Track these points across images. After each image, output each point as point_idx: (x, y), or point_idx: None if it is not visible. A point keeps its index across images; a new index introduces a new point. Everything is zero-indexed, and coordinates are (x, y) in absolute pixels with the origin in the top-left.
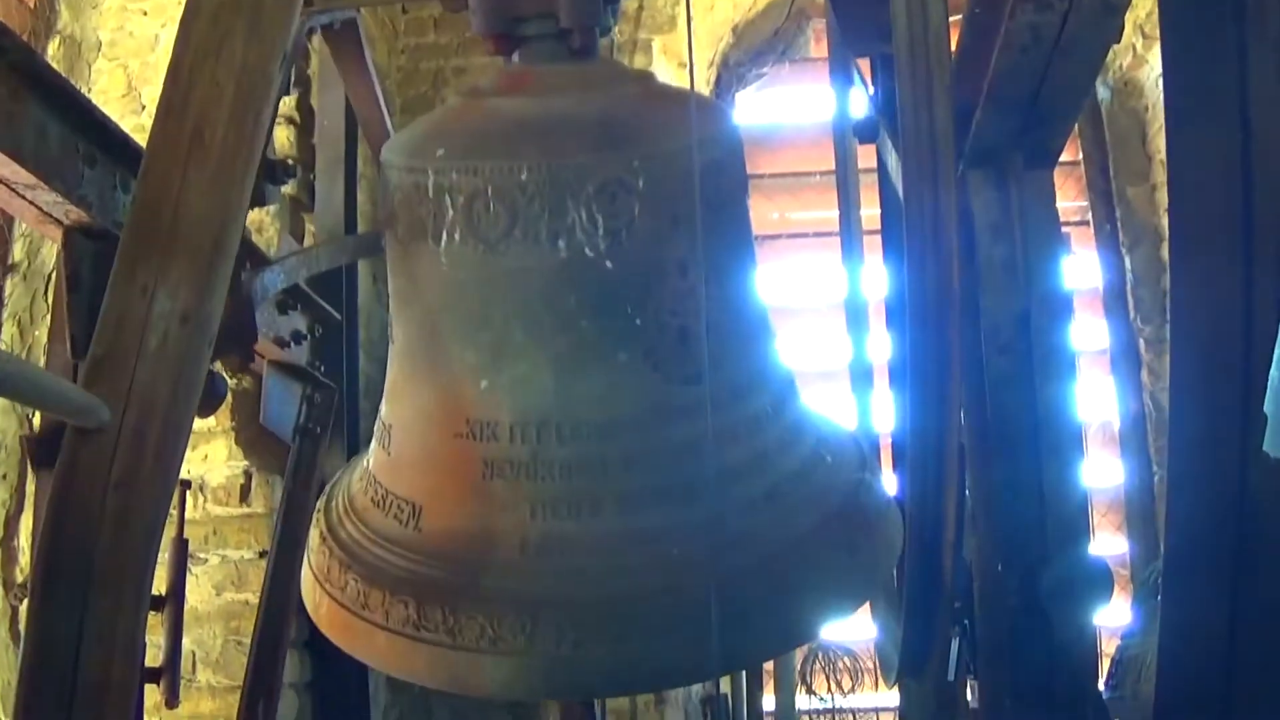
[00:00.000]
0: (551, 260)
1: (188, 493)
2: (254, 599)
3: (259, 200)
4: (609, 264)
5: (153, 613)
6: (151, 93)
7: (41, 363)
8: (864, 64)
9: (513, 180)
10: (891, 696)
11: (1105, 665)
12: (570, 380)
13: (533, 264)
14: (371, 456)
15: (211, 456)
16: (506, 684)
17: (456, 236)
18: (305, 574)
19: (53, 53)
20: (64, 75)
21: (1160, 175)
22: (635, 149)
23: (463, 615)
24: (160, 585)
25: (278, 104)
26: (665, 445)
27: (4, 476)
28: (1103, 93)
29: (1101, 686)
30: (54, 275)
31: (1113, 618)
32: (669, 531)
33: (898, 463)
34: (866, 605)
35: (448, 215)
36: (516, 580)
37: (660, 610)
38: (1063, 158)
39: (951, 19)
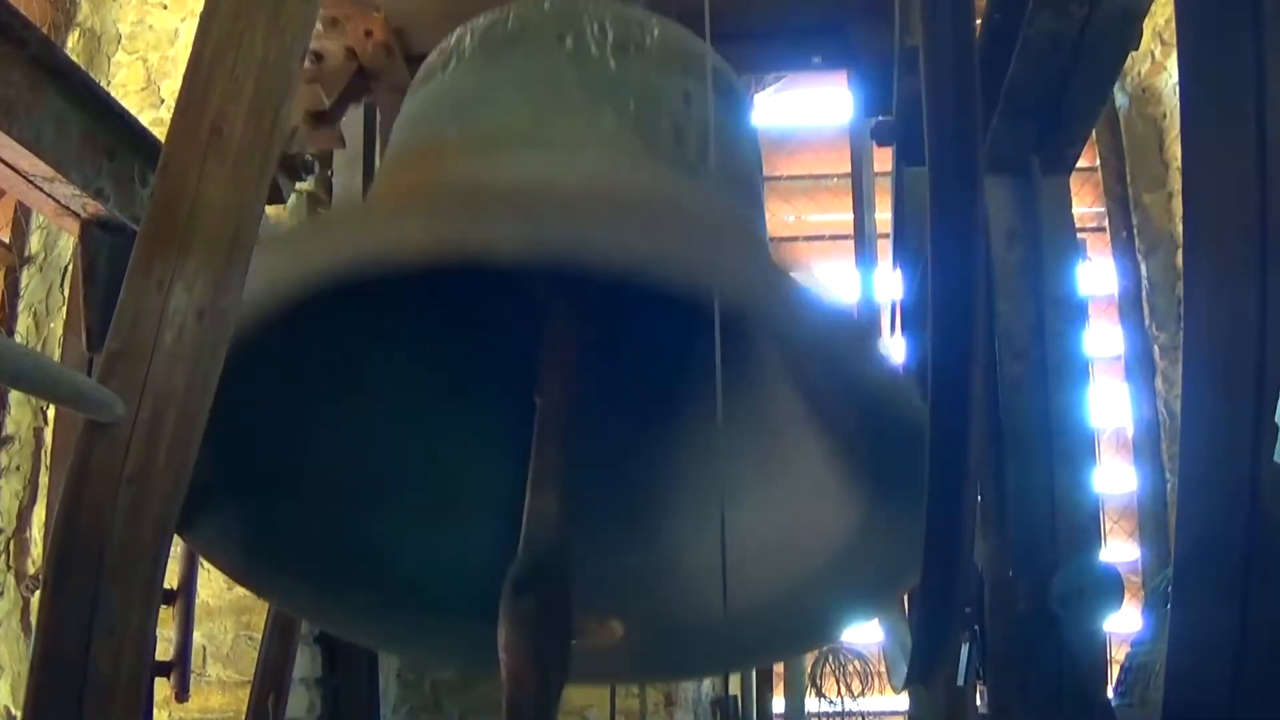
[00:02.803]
0: (555, 54)
1: None
2: None
3: (277, 196)
4: (612, 64)
5: (164, 606)
6: (170, 86)
7: (56, 355)
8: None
9: (535, 8)
10: (901, 700)
11: (1115, 672)
12: (560, 159)
13: (535, 58)
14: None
15: None
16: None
17: (465, 54)
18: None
19: (72, 45)
20: (83, 68)
21: (1177, 182)
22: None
23: None
24: (171, 579)
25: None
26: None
27: (18, 468)
28: (1120, 99)
29: (1111, 693)
30: (70, 268)
31: (1123, 624)
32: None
33: None
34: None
35: (465, 43)
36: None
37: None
38: (1079, 164)
39: None
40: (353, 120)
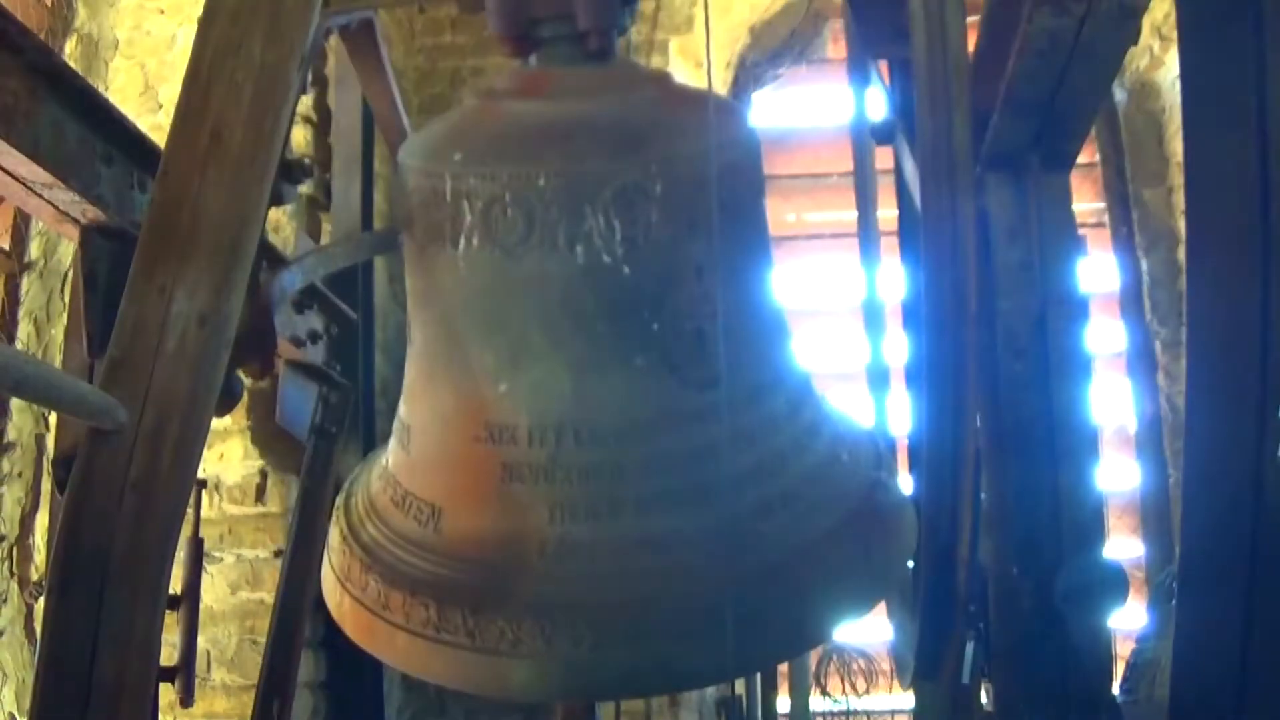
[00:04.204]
0: (569, 266)
1: (203, 492)
2: (269, 598)
3: (277, 200)
4: (626, 269)
5: (168, 612)
6: (169, 92)
7: (58, 361)
8: (882, 65)
9: (530, 186)
10: (906, 699)
11: (1120, 668)
12: (588, 384)
13: (550, 270)
14: (391, 455)
15: (227, 455)
16: (525, 686)
17: (474, 241)
18: (326, 573)
19: (70, 51)
20: (81, 74)
21: (1177, 178)
22: (652, 153)
23: (483, 618)
24: (176, 584)
25: (296, 104)
26: (682, 449)
27: (19, 475)
28: (1120, 95)
29: (1116, 690)
30: (71, 274)
31: (1128, 621)
32: (686, 535)
33: (914, 464)
34: (881, 607)
35: (465, 220)
36: (535, 583)
37: (676, 614)
38: (1079, 160)
39: (969, 20)
40: (350, 124)
